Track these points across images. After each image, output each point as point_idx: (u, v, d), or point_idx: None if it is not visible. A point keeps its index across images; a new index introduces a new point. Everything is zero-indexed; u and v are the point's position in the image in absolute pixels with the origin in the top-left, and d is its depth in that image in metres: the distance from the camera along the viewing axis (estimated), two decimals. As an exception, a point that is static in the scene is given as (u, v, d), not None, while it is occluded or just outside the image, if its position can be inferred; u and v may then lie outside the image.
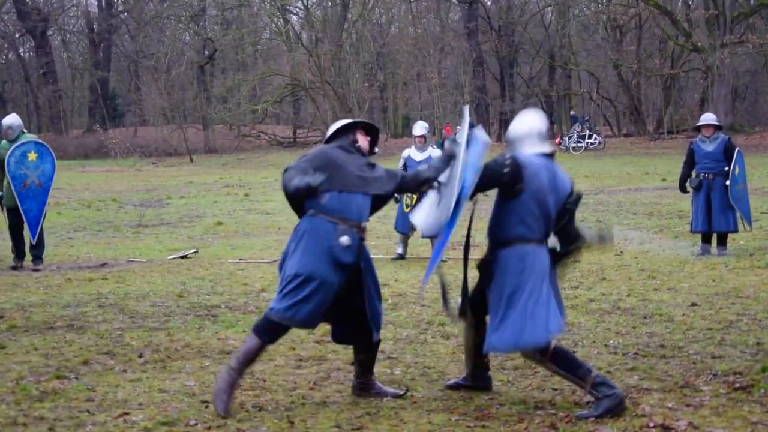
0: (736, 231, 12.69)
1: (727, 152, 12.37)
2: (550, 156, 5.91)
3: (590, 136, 45.50)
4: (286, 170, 6.04)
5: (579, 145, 44.18)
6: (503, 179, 5.67)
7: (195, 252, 14.06)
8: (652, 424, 5.30)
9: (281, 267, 5.98)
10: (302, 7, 53.49)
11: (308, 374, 6.68)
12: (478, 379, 6.11)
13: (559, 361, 5.57)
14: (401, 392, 6.07)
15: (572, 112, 53.63)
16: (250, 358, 5.81)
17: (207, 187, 28.33)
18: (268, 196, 24.87)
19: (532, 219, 5.68)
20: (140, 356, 7.24)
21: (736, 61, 46.35)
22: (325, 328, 8.12)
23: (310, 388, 6.29)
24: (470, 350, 6.14)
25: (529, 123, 6.03)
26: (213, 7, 55.47)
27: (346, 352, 7.21)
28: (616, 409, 5.39)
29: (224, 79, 53.20)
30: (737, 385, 6.05)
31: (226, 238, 16.27)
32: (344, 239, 5.71)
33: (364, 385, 6.09)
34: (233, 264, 12.78)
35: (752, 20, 46.69)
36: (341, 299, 5.85)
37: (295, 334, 7.90)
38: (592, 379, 5.46)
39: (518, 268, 5.61)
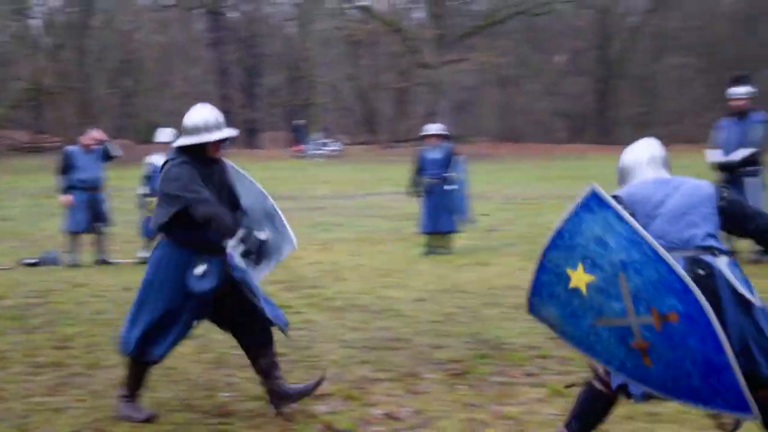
0: (457, 231, 13.22)
1: (450, 159, 12.89)
2: None
3: (330, 144, 46.16)
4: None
5: (319, 152, 44.68)
6: None
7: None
8: (379, 413, 5.46)
9: None
10: (44, 12, 51.22)
11: (46, 380, 6.35)
12: None
13: None
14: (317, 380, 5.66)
15: (294, 122, 54.13)
16: None
17: (-56, 193, 26.53)
18: (8, 201, 23.57)
19: None
20: None
21: (460, 76, 48.35)
22: (62, 332, 7.88)
23: (47, 395, 6.00)
24: None
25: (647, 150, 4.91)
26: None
27: (87, 357, 6.97)
28: None
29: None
30: (455, 372, 6.34)
31: (-36, 245, 15.33)
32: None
33: (277, 394, 5.56)
34: (-30, 271, 12.05)
35: (473, 40, 48.90)
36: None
37: (33, 339, 7.60)
38: None
39: None
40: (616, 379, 4.26)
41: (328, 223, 17.34)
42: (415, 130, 50.88)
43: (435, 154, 12.90)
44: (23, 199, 24.21)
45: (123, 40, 52.04)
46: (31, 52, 49.14)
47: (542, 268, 4.20)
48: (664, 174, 4.72)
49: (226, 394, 5.94)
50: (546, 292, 4.22)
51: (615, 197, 4.39)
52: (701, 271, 4.18)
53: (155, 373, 6.46)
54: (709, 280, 4.16)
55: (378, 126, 57.07)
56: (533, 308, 4.29)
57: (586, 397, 4.53)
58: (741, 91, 10.95)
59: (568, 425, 4.56)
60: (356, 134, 59.59)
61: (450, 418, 5.32)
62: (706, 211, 4.43)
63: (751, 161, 10.79)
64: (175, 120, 35.87)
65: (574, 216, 4.12)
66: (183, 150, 5.40)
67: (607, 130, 55.44)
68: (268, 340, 5.56)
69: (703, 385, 3.88)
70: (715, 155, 10.99)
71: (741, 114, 10.96)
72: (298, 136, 49.80)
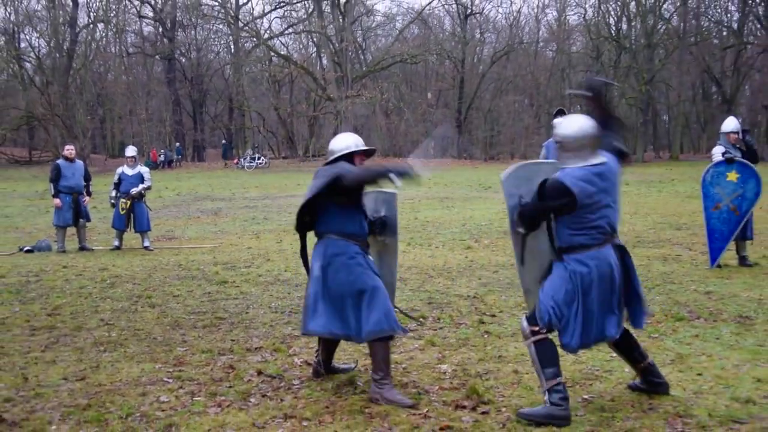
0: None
1: None
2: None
3: (259, 158, 45.69)
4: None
5: (251, 164, 44.17)
6: None
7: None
8: (299, 361, 5.42)
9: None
10: (35, 56, 49.79)
11: (40, 340, 6.13)
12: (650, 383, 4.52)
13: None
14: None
15: (223, 142, 53.65)
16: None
17: (-45, 196, 25.34)
18: (8, 202, 22.70)
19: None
20: None
21: (356, 107, 48.54)
22: (53, 303, 7.61)
23: (42, 351, 5.79)
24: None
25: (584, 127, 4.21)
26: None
27: (72, 322, 6.74)
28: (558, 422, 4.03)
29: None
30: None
31: (-28, 236, 14.65)
32: None
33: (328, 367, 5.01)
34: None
35: (365, 81, 49.13)
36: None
37: (30, 308, 7.32)
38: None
39: None
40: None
41: (258, 218, 17.15)
42: (323, 147, 51.05)
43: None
44: (20, 200, 23.37)
45: (98, 78, 50.82)
46: (25, 88, 48.12)
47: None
48: (599, 155, 4.17)
49: (181, 349, 5.82)
50: None
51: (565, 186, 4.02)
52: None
53: (126, 333, 6.32)
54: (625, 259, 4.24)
55: (296, 144, 56.78)
56: None
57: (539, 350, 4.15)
58: (559, 121, 11.20)
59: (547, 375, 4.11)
60: (279, 151, 59.21)
61: (352, 361, 5.31)
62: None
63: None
64: (138, 140, 35.27)
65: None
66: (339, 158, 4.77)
67: (464, 148, 56.34)
68: None
69: None
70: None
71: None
72: (224, 152, 49.48)
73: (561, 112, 11.59)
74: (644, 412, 4.18)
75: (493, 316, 6.69)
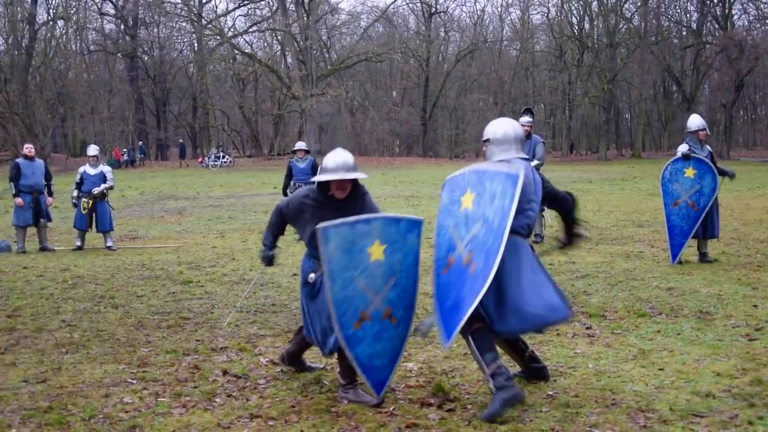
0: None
1: (313, 168, 12.74)
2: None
3: (224, 157, 45.34)
4: None
5: (215, 163, 43.81)
6: None
7: None
8: (264, 360, 5.39)
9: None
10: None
11: (0, 342, 6.00)
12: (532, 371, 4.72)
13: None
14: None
15: (180, 141, 53.05)
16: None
17: None
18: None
19: None
20: None
21: (321, 106, 48.43)
22: (13, 304, 7.47)
23: (2, 353, 5.67)
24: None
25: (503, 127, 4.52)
26: None
27: (33, 324, 6.62)
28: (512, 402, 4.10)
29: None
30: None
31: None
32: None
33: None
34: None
35: (330, 79, 49.03)
36: None
37: (-10, 311, 7.19)
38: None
39: None
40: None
41: (223, 217, 17.01)
42: (288, 146, 51.02)
43: (302, 164, 12.79)
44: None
45: (58, 76, 50.01)
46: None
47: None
48: (521, 153, 4.42)
49: (145, 350, 5.75)
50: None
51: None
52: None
53: (88, 334, 6.23)
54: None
55: (261, 143, 56.48)
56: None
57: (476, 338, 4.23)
58: (526, 119, 11.28)
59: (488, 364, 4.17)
60: (244, 149, 58.84)
61: (320, 362, 5.30)
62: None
63: (536, 169, 11.15)
64: (100, 139, 34.67)
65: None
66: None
67: (430, 147, 56.53)
68: None
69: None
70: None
71: (525, 136, 11.28)
72: (181, 152, 49.01)
73: (529, 111, 11.71)
74: (607, 407, 4.24)
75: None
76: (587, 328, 6.03)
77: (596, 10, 52.58)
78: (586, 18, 54.18)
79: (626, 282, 7.90)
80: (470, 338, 4.21)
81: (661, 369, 4.89)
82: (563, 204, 4.64)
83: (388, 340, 4.36)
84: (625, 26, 52.61)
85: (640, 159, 46.86)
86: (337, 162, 4.47)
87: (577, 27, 54.86)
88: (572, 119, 59.25)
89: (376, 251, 4.23)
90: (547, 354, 5.30)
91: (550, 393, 4.50)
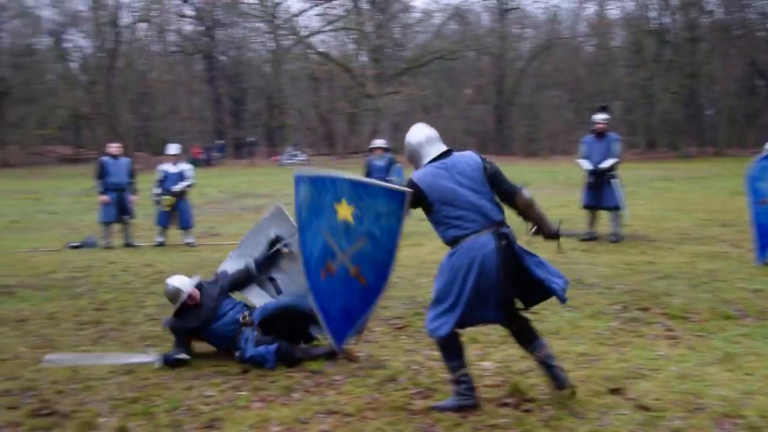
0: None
1: (390, 166, 12.75)
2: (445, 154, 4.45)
3: (299, 155, 45.94)
4: None
5: (290, 161, 44.40)
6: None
7: (-6, 244, 12.84)
8: (341, 357, 5.43)
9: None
10: (80, 56, 50.89)
11: (88, 334, 6.25)
12: None
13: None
14: None
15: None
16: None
17: (3, 194, 25.89)
18: (56, 199, 23.18)
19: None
20: (-52, 328, 6.53)
21: (395, 104, 48.57)
22: (100, 298, 7.74)
23: (91, 345, 5.90)
24: None
25: (423, 132, 4.59)
26: (6, 53, 51.04)
27: (119, 317, 6.86)
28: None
29: (16, 109, 48.88)
30: (398, 326, 6.31)
31: (21, 233, 14.94)
32: None
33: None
34: (27, 253, 11.77)
35: (404, 77, 49.10)
36: None
37: (78, 303, 7.46)
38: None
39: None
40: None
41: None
42: (363, 144, 51.32)
43: (380, 162, 12.80)
44: (67, 197, 23.81)
45: (141, 77, 51.59)
46: (71, 87, 48.93)
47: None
48: (441, 147, 4.43)
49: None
50: None
51: (414, 185, 4.24)
52: (504, 242, 4.19)
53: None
54: (508, 248, 4.20)
55: (335, 141, 56.97)
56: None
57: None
58: (602, 117, 11.06)
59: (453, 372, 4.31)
60: (319, 148, 59.45)
61: (395, 360, 5.32)
62: (481, 181, 4.26)
63: (612, 168, 10.92)
64: (180, 138, 35.43)
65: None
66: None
67: (504, 144, 55.99)
68: None
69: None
70: (586, 164, 11.07)
71: (601, 134, 11.05)
72: (252, 150, 49.55)
73: (605, 108, 11.47)
74: (691, 412, 4.12)
75: (535, 313, 6.62)
76: (668, 330, 5.88)
77: (676, 3, 51.07)
78: (666, 12, 52.70)
79: (710, 283, 7.65)
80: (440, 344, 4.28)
81: (748, 374, 4.72)
82: (506, 196, 4.39)
83: (354, 298, 4.53)
84: (707, 19, 50.93)
85: (724, 156, 45.29)
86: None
87: (656, 21, 53.40)
88: (651, 116, 57.74)
89: (343, 211, 4.41)
90: (627, 355, 5.19)
91: (631, 396, 4.40)
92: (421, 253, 10.59)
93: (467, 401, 4.25)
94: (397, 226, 4.22)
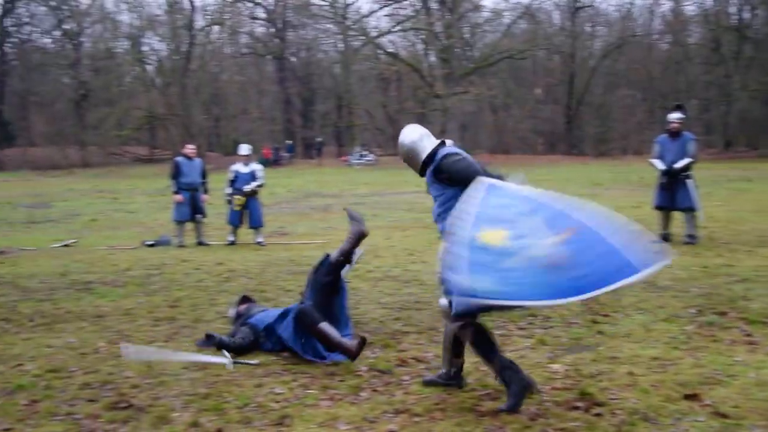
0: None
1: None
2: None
3: (367, 156, 46.18)
4: None
5: (359, 162, 44.68)
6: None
7: (75, 241, 13.31)
8: (410, 357, 5.44)
9: None
10: (155, 59, 52.32)
11: (163, 331, 6.41)
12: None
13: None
14: None
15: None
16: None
17: (84, 193, 26.82)
18: (132, 198, 23.87)
19: None
20: (31, 321, 6.80)
21: (463, 104, 48.28)
22: (174, 295, 7.94)
23: (165, 341, 6.06)
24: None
25: (417, 131, 4.86)
26: (88, 58, 52.89)
27: (192, 314, 7.02)
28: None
29: (96, 111, 50.57)
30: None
31: (99, 231, 15.45)
32: None
33: None
34: (105, 250, 12.17)
35: (472, 77, 48.78)
36: None
37: (153, 300, 7.66)
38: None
39: None
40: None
41: (367, 215, 17.17)
42: (430, 144, 51.28)
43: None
44: (143, 197, 24.49)
45: (213, 79, 52.66)
46: (147, 89, 50.35)
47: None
48: (434, 140, 4.76)
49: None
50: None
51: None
52: None
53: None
54: None
55: (403, 141, 57.04)
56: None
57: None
58: (677, 116, 10.79)
59: (492, 364, 4.34)
60: (387, 148, 59.57)
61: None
62: None
63: (687, 168, 10.64)
64: (251, 138, 36.00)
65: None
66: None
67: (574, 145, 55.08)
68: None
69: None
70: (660, 164, 10.81)
71: (675, 133, 10.77)
72: (319, 150, 49.77)
73: (680, 107, 11.17)
74: (771, 420, 3.97)
75: (606, 315, 6.51)
76: (747, 335, 5.68)
77: (757, -2, 49.32)
78: (746, 7, 50.95)
79: (791, 288, 7.37)
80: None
81: (832, 382, 4.53)
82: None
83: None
84: (790, 14, 49.05)
85: (806, 156, 43.51)
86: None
87: (735, 17, 51.69)
88: (729, 114, 55.87)
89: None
90: (703, 360, 5.04)
91: (708, 402, 4.28)
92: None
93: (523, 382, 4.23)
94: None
